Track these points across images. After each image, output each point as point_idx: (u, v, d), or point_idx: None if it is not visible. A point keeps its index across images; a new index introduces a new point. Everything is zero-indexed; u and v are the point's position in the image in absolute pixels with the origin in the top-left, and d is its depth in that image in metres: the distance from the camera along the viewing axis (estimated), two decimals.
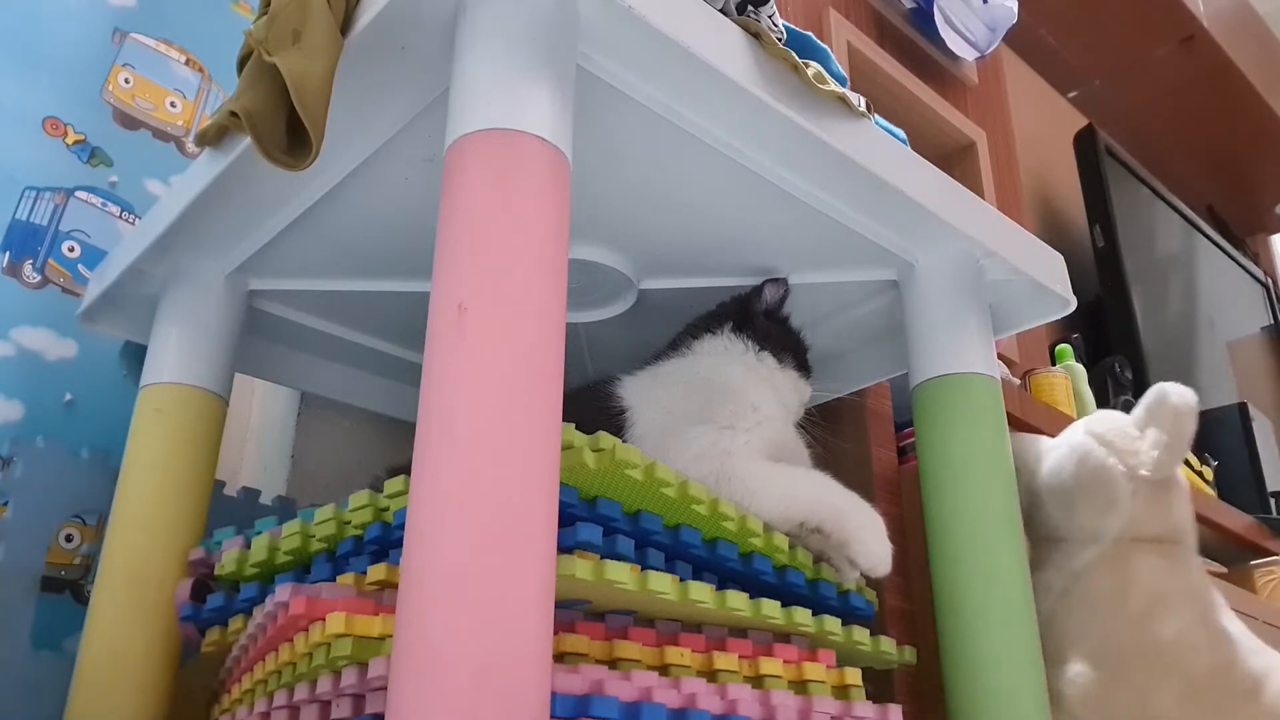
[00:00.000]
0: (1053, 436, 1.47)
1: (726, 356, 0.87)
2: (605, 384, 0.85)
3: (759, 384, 0.85)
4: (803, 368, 0.91)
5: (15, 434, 0.99)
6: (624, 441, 0.74)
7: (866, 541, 0.76)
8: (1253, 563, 1.77)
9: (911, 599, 1.07)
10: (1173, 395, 1.03)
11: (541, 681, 0.51)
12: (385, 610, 0.63)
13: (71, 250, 1.09)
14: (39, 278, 1.07)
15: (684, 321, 0.95)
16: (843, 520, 0.77)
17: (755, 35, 0.74)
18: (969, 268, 0.92)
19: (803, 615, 0.74)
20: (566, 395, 0.57)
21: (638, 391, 0.83)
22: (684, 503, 0.69)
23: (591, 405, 0.81)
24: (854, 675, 0.77)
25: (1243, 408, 2.16)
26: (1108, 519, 1.03)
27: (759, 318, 0.91)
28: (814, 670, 0.74)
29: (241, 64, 0.73)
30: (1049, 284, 0.95)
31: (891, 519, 0.91)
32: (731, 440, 0.77)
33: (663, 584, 0.65)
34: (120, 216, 1.14)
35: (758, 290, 0.92)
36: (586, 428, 0.65)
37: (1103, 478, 1.04)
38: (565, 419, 0.60)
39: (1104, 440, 1.06)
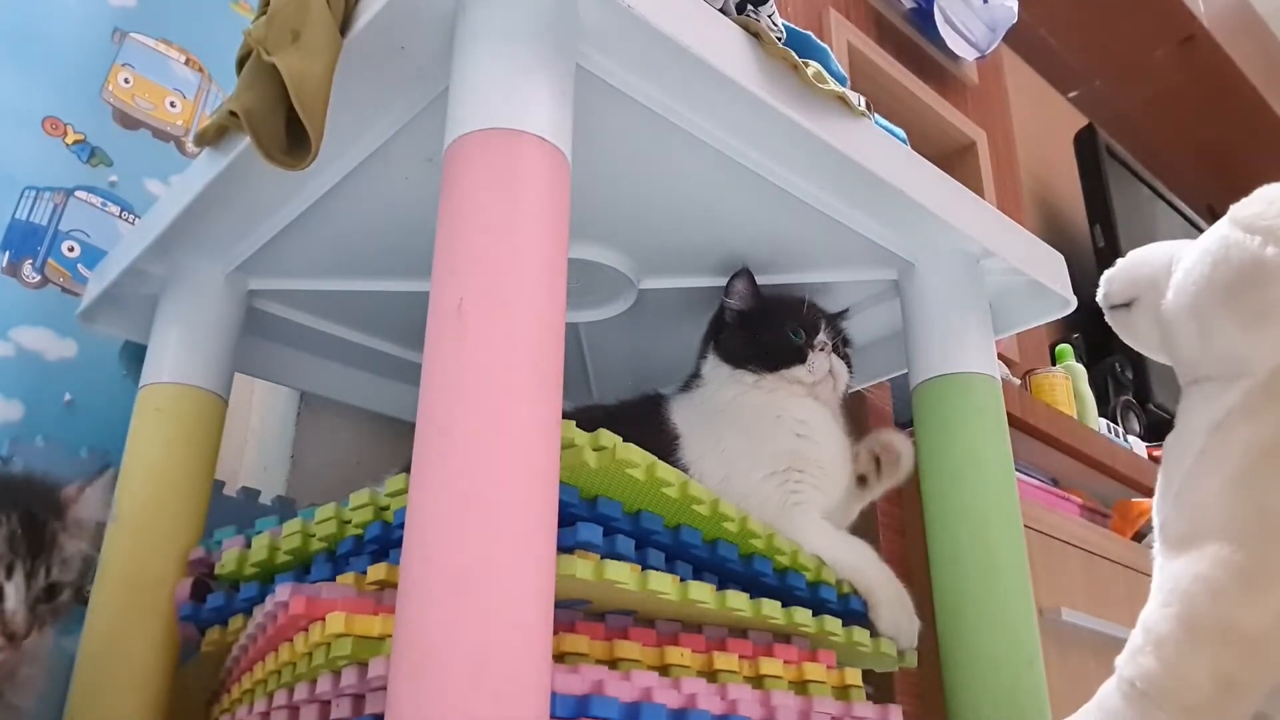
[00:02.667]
0: (1053, 436, 1.48)
1: (729, 385, 0.89)
2: (655, 400, 0.90)
3: (769, 415, 0.86)
4: (790, 358, 0.87)
5: (15, 434, 0.99)
6: (677, 462, 0.81)
7: (892, 617, 0.81)
8: None
9: (912, 599, 1.07)
10: None
11: (541, 681, 0.51)
12: (385, 610, 0.63)
13: (71, 250, 1.09)
14: (39, 277, 1.07)
15: (683, 322, 0.95)
16: (874, 592, 0.82)
17: (755, 35, 0.74)
18: (969, 268, 0.92)
19: (803, 615, 0.74)
20: (615, 408, 0.58)
21: (686, 416, 0.88)
22: (685, 502, 0.69)
23: (644, 420, 0.87)
24: (854, 676, 0.77)
25: None
26: (1260, 337, 0.70)
27: (729, 329, 0.91)
28: (814, 671, 0.74)
29: (241, 64, 0.73)
30: (1049, 284, 0.95)
31: (891, 519, 0.92)
32: (794, 497, 0.83)
33: (663, 584, 0.65)
34: (120, 216, 1.14)
35: (723, 298, 0.92)
36: (639, 442, 0.68)
37: (1252, 277, 0.70)
38: (616, 430, 0.63)
39: (1252, 225, 0.72)
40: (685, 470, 0.81)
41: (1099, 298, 0.79)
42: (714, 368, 0.90)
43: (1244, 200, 0.73)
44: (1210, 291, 0.71)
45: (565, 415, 0.59)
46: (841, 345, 0.91)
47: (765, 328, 0.90)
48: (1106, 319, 0.79)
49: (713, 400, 0.89)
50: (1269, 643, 0.62)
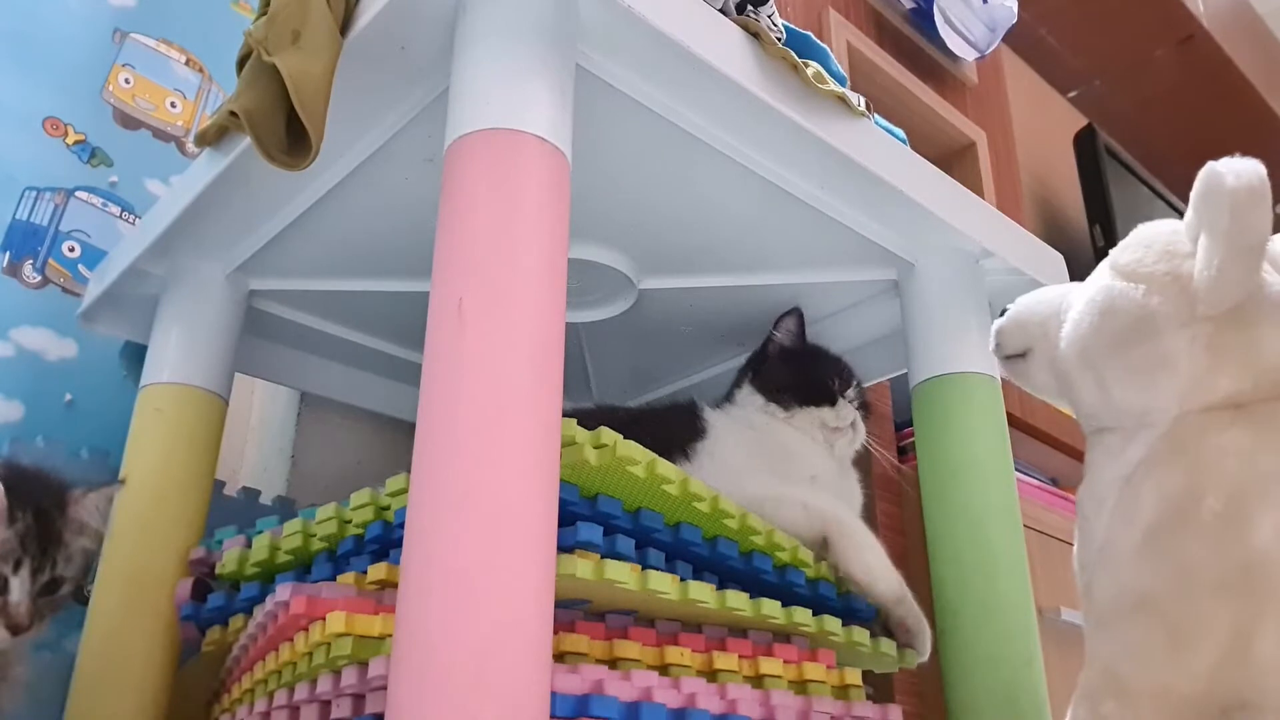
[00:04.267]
0: (1053, 436, 1.48)
1: (759, 413, 0.92)
2: (690, 402, 0.94)
3: (787, 450, 0.90)
4: (822, 398, 0.92)
5: (15, 434, 0.99)
6: (698, 449, 0.84)
7: (866, 560, 0.81)
8: None
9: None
10: (1226, 177, 0.64)
11: (541, 681, 0.51)
12: (385, 610, 0.63)
13: (71, 250, 1.09)
14: (39, 278, 1.07)
15: (683, 322, 0.96)
16: (839, 531, 0.82)
17: (755, 35, 0.74)
18: (969, 268, 0.92)
19: (803, 615, 0.74)
20: (643, 408, 0.58)
21: (717, 418, 0.91)
22: (685, 500, 0.69)
23: (676, 414, 0.91)
24: (854, 675, 0.77)
25: None
26: (1157, 389, 0.67)
27: (771, 362, 0.95)
28: (814, 670, 0.74)
29: (241, 64, 0.73)
30: (1049, 284, 0.94)
31: (891, 519, 0.92)
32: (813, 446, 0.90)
33: (663, 583, 0.65)
34: (120, 216, 1.14)
35: (771, 331, 0.96)
36: (667, 431, 0.72)
37: (1140, 329, 0.67)
38: (648, 429, 0.66)
39: (1134, 273, 0.69)
40: (708, 454, 0.85)
41: (991, 349, 0.77)
42: (748, 395, 0.94)
43: (1121, 245, 0.71)
44: (1100, 344, 0.69)
45: (589, 413, 0.60)
46: (863, 409, 0.95)
47: (804, 367, 0.94)
48: (1002, 370, 0.77)
49: (743, 418, 0.92)
50: (1205, 701, 0.60)
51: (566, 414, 0.59)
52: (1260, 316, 0.65)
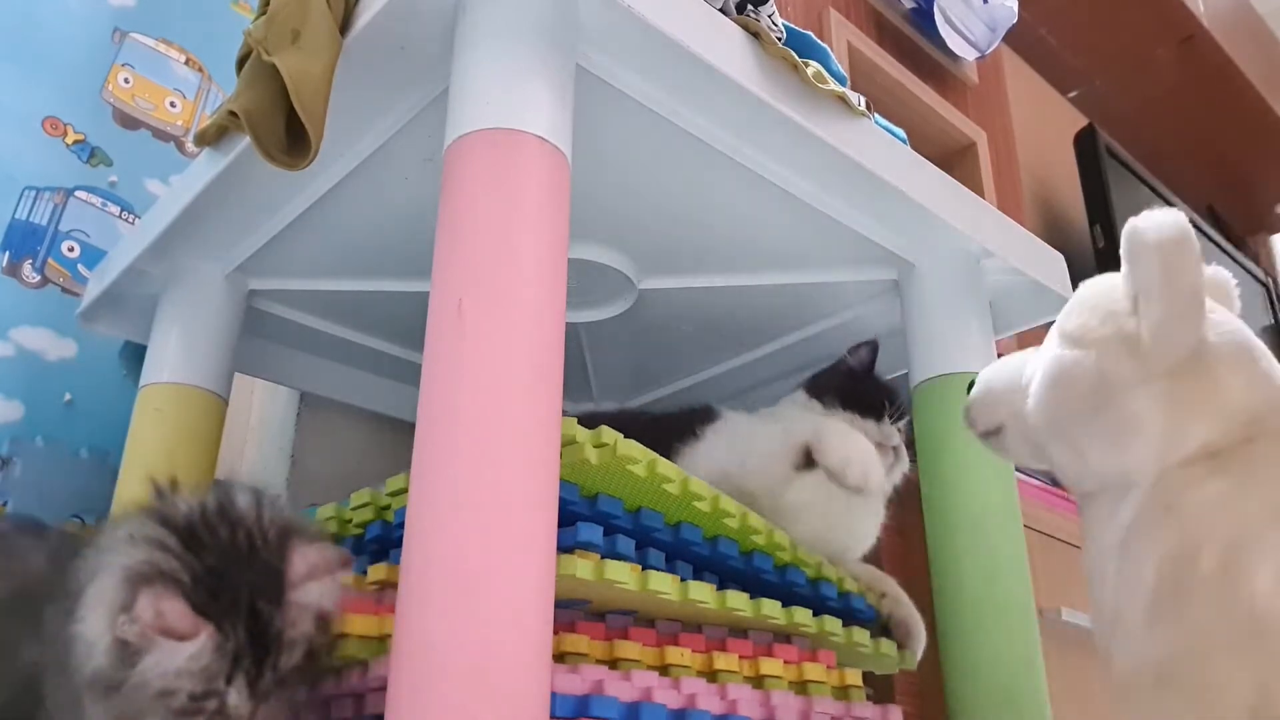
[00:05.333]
0: None
1: (793, 405, 0.93)
2: (709, 406, 0.93)
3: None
4: (869, 411, 0.90)
5: (15, 434, 0.99)
6: (707, 431, 0.86)
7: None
8: None
9: (912, 599, 1.07)
10: (1146, 230, 0.64)
11: (541, 681, 0.51)
12: (385, 610, 0.63)
13: (71, 250, 1.09)
14: (39, 277, 1.07)
15: (683, 322, 0.95)
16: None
17: (755, 35, 0.74)
18: (969, 268, 0.92)
19: (803, 615, 0.74)
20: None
21: (738, 414, 0.92)
22: (685, 499, 0.69)
23: (689, 412, 0.91)
24: (854, 676, 0.77)
25: None
26: (1131, 451, 0.66)
27: (831, 372, 0.96)
28: (814, 671, 0.74)
29: (241, 64, 0.73)
30: (1049, 284, 0.95)
31: (891, 519, 0.92)
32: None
33: (663, 584, 0.65)
34: (120, 216, 1.14)
35: (844, 354, 0.96)
36: (678, 427, 0.75)
37: (1098, 396, 0.66)
38: (664, 432, 0.66)
39: (1081, 339, 0.68)
40: (714, 435, 0.87)
41: (964, 425, 0.75)
42: (792, 396, 0.94)
43: (1066, 309, 0.70)
44: (1064, 415, 0.68)
45: (610, 416, 0.61)
46: (907, 446, 0.92)
47: (862, 385, 0.93)
48: (981, 444, 0.75)
49: (769, 412, 0.92)
50: None
51: (588, 417, 0.60)
52: (1215, 360, 0.64)
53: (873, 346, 0.95)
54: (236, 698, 0.53)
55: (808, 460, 0.83)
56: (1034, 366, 0.70)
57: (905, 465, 0.91)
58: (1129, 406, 0.65)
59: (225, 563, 0.54)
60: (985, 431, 0.74)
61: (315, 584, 0.56)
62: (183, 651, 0.51)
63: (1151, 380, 0.64)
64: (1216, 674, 0.59)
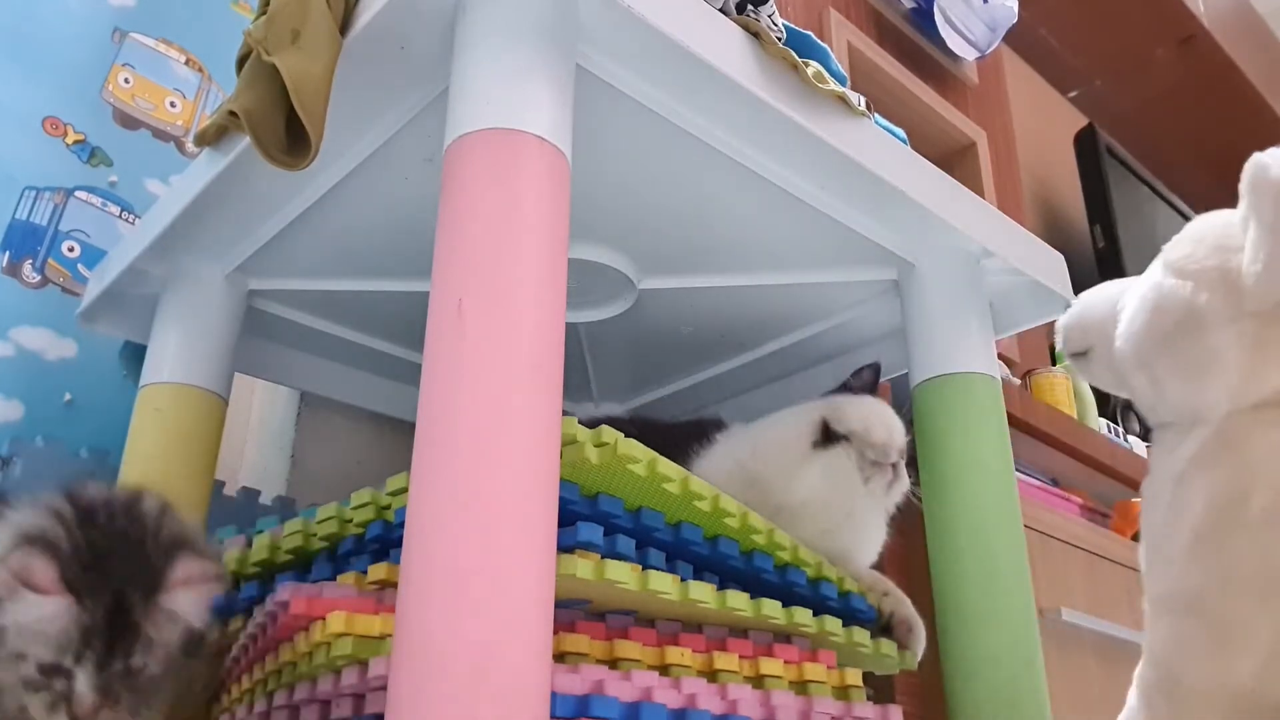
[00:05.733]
0: (1053, 436, 1.48)
1: None
2: (717, 418, 0.94)
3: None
4: None
5: (15, 434, 0.99)
6: (716, 440, 0.87)
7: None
8: None
9: (912, 599, 1.07)
10: (1272, 168, 0.63)
11: (541, 681, 0.51)
12: (385, 610, 0.63)
13: (71, 250, 1.09)
14: (39, 277, 1.07)
15: (683, 322, 0.95)
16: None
17: (755, 35, 0.74)
18: (969, 268, 0.92)
19: (804, 615, 0.74)
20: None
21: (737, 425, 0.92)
22: (686, 499, 0.69)
23: (695, 422, 0.92)
24: (854, 676, 0.77)
25: None
26: (1206, 387, 0.66)
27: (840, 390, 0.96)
28: (814, 671, 0.74)
29: (241, 64, 0.73)
30: (1049, 284, 0.95)
31: (891, 519, 0.92)
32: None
33: (664, 584, 0.65)
34: (120, 216, 1.14)
35: (848, 378, 0.96)
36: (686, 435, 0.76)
37: (1187, 326, 0.66)
38: (676, 437, 0.71)
39: (1183, 269, 0.68)
40: (724, 438, 0.87)
41: (1058, 347, 0.78)
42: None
43: (1174, 240, 0.70)
44: (1150, 342, 0.69)
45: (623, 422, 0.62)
46: (907, 466, 0.90)
47: None
48: (1070, 365, 0.79)
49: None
50: (1255, 700, 0.60)
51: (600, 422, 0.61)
52: None
53: (875, 369, 0.95)
54: (84, 684, 0.55)
55: (825, 436, 0.84)
56: (1131, 294, 0.71)
57: (906, 485, 0.89)
58: (1213, 342, 0.65)
59: (109, 546, 0.58)
60: (1075, 353, 0.76)
61: (188, 593, 0.60)
62: (38, 608, 0.55)
63: (1241, 319, 0.64)
64: (1241, 613, 0.61)
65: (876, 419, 0.83)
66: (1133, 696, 0.67)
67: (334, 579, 0.72)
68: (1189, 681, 0.62)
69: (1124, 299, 0.72)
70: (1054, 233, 2.40)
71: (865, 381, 0.95)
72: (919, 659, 0.83)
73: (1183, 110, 2.73)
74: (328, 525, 0.73)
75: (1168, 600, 0.65)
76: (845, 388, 0.95)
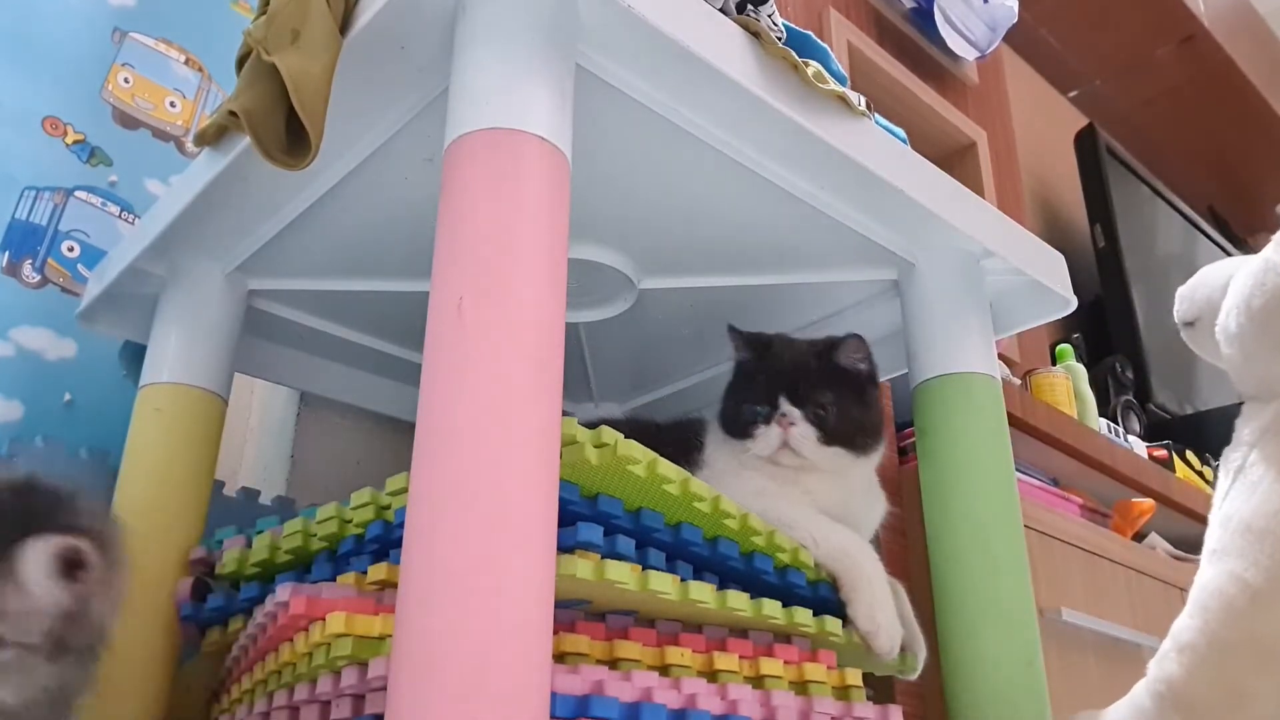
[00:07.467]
0: (1053, 436, 1.48)
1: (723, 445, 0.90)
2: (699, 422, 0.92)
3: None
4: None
5: (15, 434, 0.99)
6: (702, 447, 0.86)
7: (869, 605, 0.77)
8: None
9: (912, 599, 1.07)
10: None
11: (541, 681, 0.51)
12: (385, 610, 0.63)
13: (71, 250, 1.09)
14: (38, 277, 1.06)
15: (683, 322, 0.94)
16: (856, 576, 0.78)
17: (755, 34, 0.73)
18: (969, 268, 0.92)
19: (804, 616, 0.74)
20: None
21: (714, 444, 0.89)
22: (686, 500, 0.69)
23: (681, 425, 0.91)
24: (854, 676, 0.77)
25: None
26: None
27: (728, 385, 0.92)
28: (814, 671, 0.74)
29: (240, 63, 0.73)
30: (1049, 284, 0.94)
31: (891, 519, 0.92)
32: (779, 487, 0.82)
33: (664, 584, 0.65)
34: (120, 216, 1.13)
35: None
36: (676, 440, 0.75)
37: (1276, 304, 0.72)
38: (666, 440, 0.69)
39: None
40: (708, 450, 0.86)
41: (1175, 314, 0.83)
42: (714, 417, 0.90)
43: None
44: (1249, 315, 0.74)
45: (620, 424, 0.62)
46: (823, 405, 0.83)
47: (734, 391, 0.89)
48: (1182, 335, 0.83)
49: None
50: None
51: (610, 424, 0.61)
52: None
53: (731, 333, 0.91)
54: None
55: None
56: (1244, 271, 0.77)
57: (816, 437, 0.83)
58: None
59: None
60: (1184, 321, 0.81)
61: (40, 555, 0.59)
62: None
63: None
64: (1276, 576, 0.66)
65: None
66: (1142, 695, 0.68)
67: (334, 579, 0.72)
68: (1226, 627, 0.67)
69: (1237, 273, 0.77)
70: (1054, 233, 2.40)
71: (734, 345, 0.90)
72: (920, 666, 0.83)
73: (1183, 110, 2.73)
74: (328, 525, 0.73)
75: (1221, 553, 0.70)
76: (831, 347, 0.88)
